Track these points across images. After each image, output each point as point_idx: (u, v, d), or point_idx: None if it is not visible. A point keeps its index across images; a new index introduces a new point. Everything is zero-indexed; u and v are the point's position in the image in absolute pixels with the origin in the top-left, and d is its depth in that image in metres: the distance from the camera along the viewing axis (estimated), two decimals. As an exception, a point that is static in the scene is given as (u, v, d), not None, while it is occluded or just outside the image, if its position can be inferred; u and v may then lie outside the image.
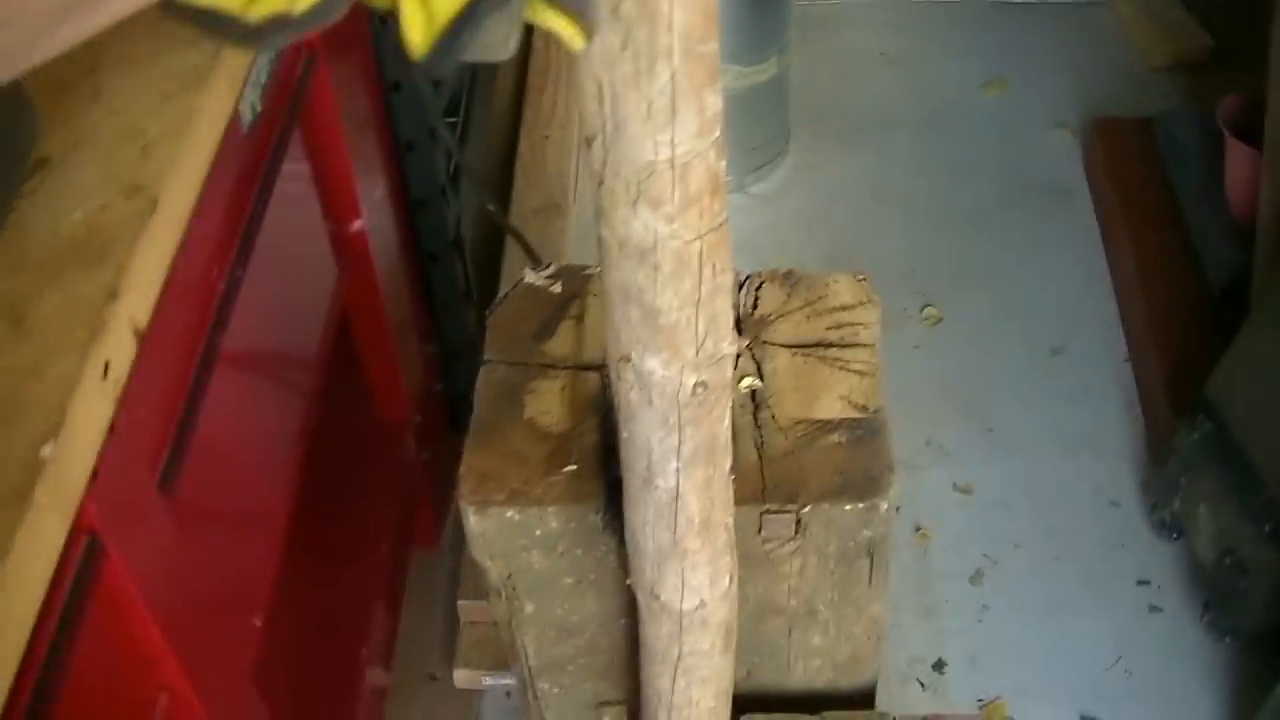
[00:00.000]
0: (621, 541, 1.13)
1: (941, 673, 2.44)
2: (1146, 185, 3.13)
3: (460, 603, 2.33)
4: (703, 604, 1.07)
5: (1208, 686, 2.45)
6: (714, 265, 0.86)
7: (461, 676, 2.33)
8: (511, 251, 2.78)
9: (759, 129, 3.31)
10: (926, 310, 3.07)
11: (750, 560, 1.16)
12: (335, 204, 1.99)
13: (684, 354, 0.90)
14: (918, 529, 2.67)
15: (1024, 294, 3.12)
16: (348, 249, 2.05)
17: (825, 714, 1.25)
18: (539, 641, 1.27)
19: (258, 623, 1.65)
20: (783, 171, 3.45)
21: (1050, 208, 3.33)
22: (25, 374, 0.99)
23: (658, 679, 1.16)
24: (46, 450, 0.96)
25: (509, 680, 2.33)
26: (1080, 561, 2.64)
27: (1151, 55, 3.67)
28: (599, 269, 0.91)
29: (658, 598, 1.07)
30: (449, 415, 2.63)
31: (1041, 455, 2.81)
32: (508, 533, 1.16)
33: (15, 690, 1.11)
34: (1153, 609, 2.57)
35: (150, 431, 1.38)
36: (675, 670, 1.14)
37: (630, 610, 1.21)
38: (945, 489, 2.74)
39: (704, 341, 0.90)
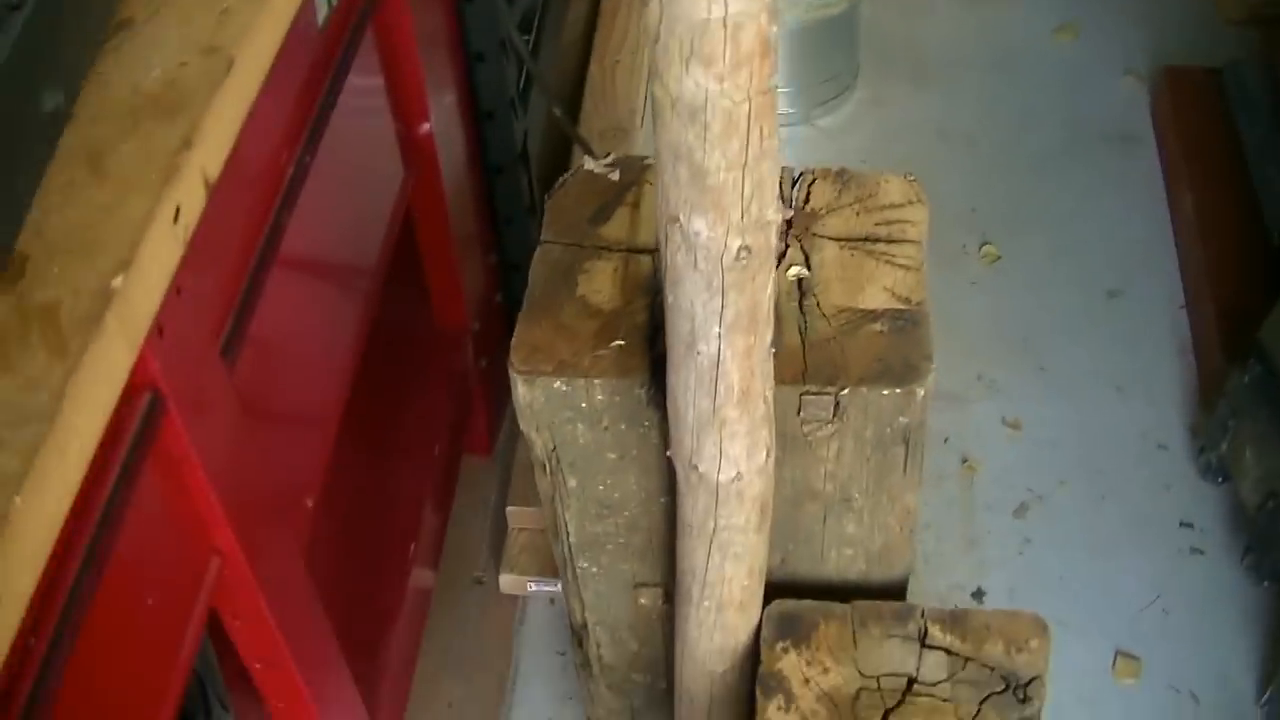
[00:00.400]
0: (665, 418, 1.16)
1: (980, 601, 2.46)
2: (1212, 135, 3.12)
3: (509, 509, 2.38)
4: (739, 476, 1.10)
5: (1245, 628, 2.47)
6: (761, 129, 0.89)
7: (507, 581, 2.39)
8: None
9: (827, 63, 3.32)
10: (985, 248, 3.08)
11: (789, 442, 1.20)
12: (404, 106, 2.03)
13: (729, 216, 0.93)
14: (964, 461, 2.70)
15: (1083, 237, 3.13)
16: (415, 152, 2.09)
17: (855, 602, 1.29)
18: (580, 518, 1.30)
19: (309, 503, 1.70)
20: (849, 106, 3.46)
21: (1114, 154, 3.32)
22: (101, 212, 1.04)
23: (693, 554, 1.19)
24: (117, 282, 1.00)
25: (554, 587, 2.38)
26: (1124, 501, 2.65)
27: (1226, 8, 3.64)
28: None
29: (695, 468, 1.10)
30: (508, 326, 2.66)
31: (1092, 396, 2.82)
32: (554, 404, 1.20)
33: (74, 532, 1.16)
34: (1194, 551, 2.59)
35: (214, 299, 1.42)
36: (710, 545, 1.18)
37: (670, 489, 1.24)
38: (994, 423, 2.77)
39: (749, 205, 0.93)
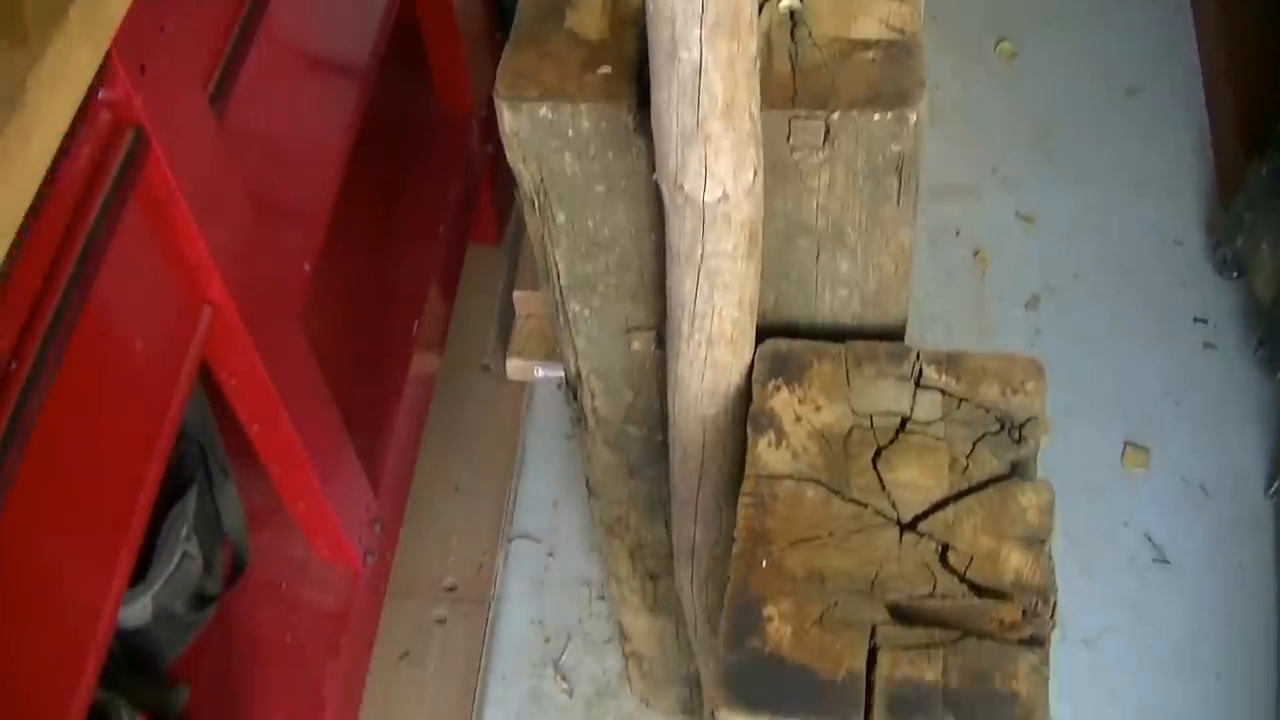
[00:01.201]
0: (652, 145, 1.14)
1: (989, 392, 2.45)
2: (1238, -68, 3.04)
3: (516, 293, 2.38)
4: (725, 196, 1.08)
5: (1255, 419, 2.47)
6: None
7: (514, 367, 2.39)
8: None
9: None
10: (1001, 45, 3.02)
11: (780, 172, 1.17)
12: None
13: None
14: (976, 253, 2.67)
15: (1103, 35, 3.07)
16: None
17: (850, 342, 1.27)
18: (570, 256, 1.29)
19: (307, 268, 1.69)
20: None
21: (1137, -49, 3.25)
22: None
23: (681, 284, 1.18)
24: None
25: (560, 372, 2.38)
26: (1138, 295, 2.63)
27: None
28: None
29: (681, 188, 1.08)
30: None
31: (1108, 191, 2.79)
32: (541, 132, 1.17)
33: (56, 265, 1.15)
34: (1207, 345, 2.58)
35: (200, 42, 1.40)
36: (698, 273, 1.16)
37: (660, 223, 1.22)
38: (1008, 217, 2.74)
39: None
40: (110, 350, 1.29)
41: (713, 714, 1.14)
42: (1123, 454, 2.42)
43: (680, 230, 1.13)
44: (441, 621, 2.25)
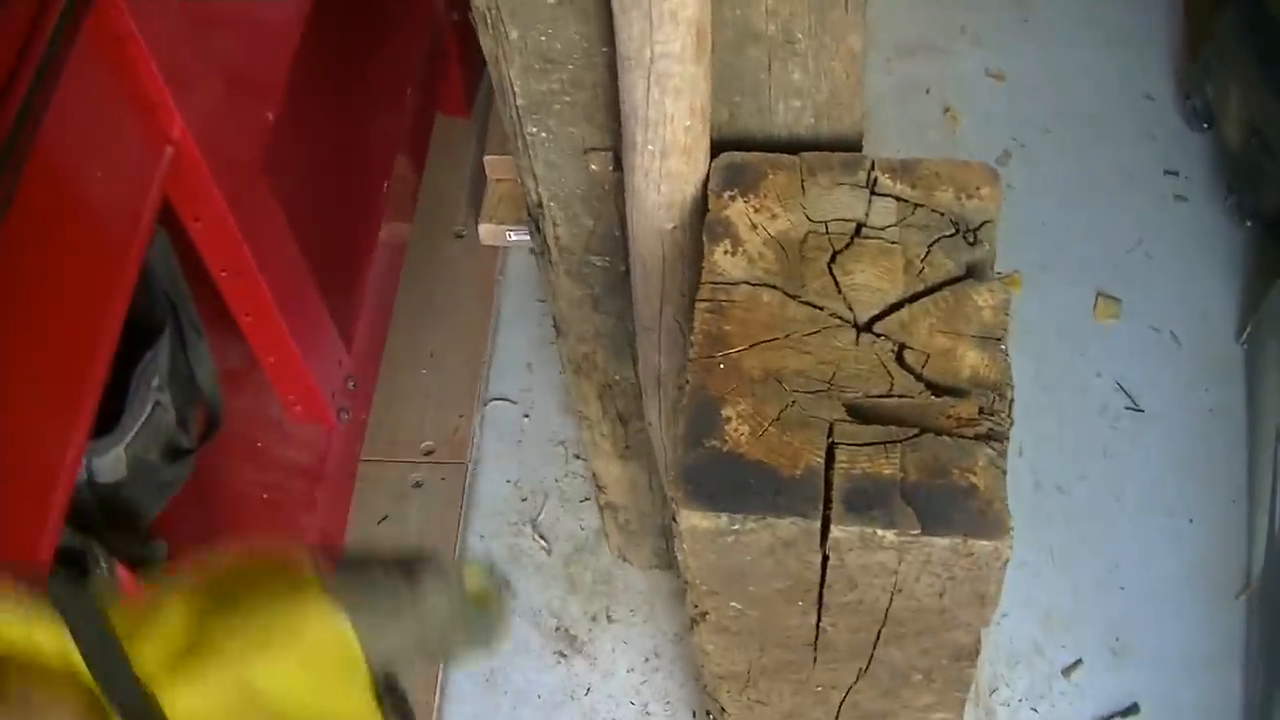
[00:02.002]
0: (601, -51, 1.14)
1: (960, 247, 2.46)
2: None
3: (487, 158, 2.38)
4: (672, -9, 1.08)
5: (1226, 269, 2.48)
6: None
7: (486, 231, 2.39)
8: None
9: None
10: (973, -95, 3.00)
11: (729, -25, 1.17)
12: None
13: None
14: (946, 110, 2.67)
15: (1074, -109, 3.04)
16: None
17: (804, 154, 1.27)
18: (524, 75, 1.28)
19: (270, 117, 1.69)
20: None
21: None
22: None
23: (632, 91, 1.17)
24: None
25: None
26: (1109, 149, 2.64)
27: None
28: None
29: (628, -19, 1.08)
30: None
31: (1078, 46, 2.78)
32: (489, -59, 1.17)
33: (6, 92, 1.15)
34: (1178, 198, 2.58)
35: None
36: (649, 77, 1.15)
37: (612, 38, 1.22)
38: (978, 74, 2.73)
39: None
40: (69, 182, 1.29)
41: (673, 517, 1.15)
42: (1094, 305, 2.43)
43: (629, 33, 1.13)
44: (419, 485, 2.27)
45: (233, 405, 1.91)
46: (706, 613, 1.29)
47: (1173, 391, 2.34)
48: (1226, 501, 2.23)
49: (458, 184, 2.56)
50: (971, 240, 1.24)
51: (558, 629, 2.13)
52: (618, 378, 1.71)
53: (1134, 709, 2.06)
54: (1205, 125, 2.60)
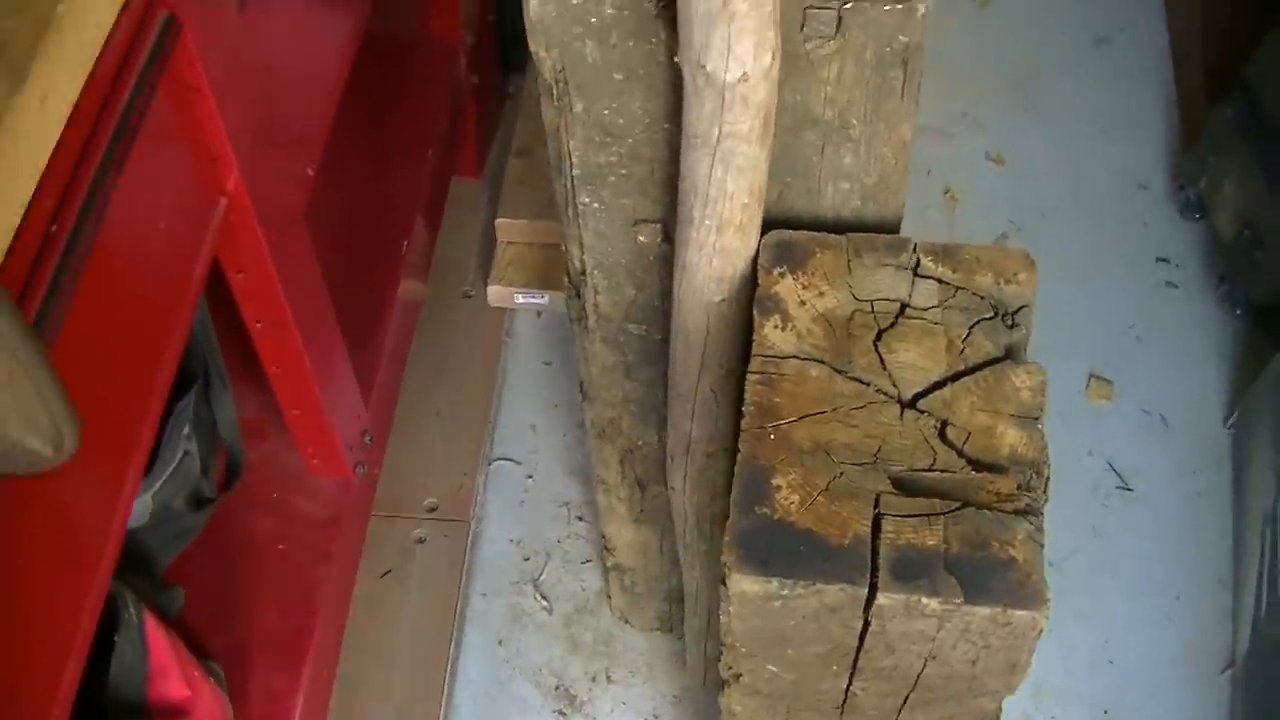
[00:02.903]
0: (672, 30, 1.19)
1: (958, 325, 2.52)
2: (1206, -116, 3.11)
3: (499, 220, 2.42)
4: (745, 77, 1.12)
5: (1215, 355, 2.54)
6: None
7: (495, 293, 2.43)
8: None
9: None
10: (977, -9, 3.09)
11: (791, 63, 1.22)
12: None
13: None
14: (946, 191, 2.73)
15: (1072, -15, 3.14)
16: None
17: (850, 234, 1.32)
18: (584, 147, 1.33)
19: (310, 173, 1.73)
20: None
21: (1107, -97, 3.31)
22: None
23: (695, 168, 1.22)
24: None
25: (540, 299, 2.43)
26: (1103, 235, 2.70)
27: None
28: None
29: (703, 68, 1.12)
30: (499, 47, 2.67)
31: (1076, 135, 2.86)
32: (565, 19, 1.21)
33: (94, 136, 1.19)
34: (1169, 285, 2.65)
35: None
36: (714, 156, 1.20)
37: (675, 114, 1.27)
38: (978, 157, 2.80)
39: None
40: (138, 233, 1.32)
41: (722, 581, 1.18)
42: (1087, 385, 2.49)
43: (699, 112, 1.17)
44: (422, 541, 2.30)
45: (250, 455, 1.94)
46: (741, 675, 1.32)
47: (1162, 473, 2.40)
48: (1212, 581, 2.28)
49: (467, 245, 2.60)
50: (1010, 324, 1.29)
51: (557, 688, 2.16)
52: (640, 443, 1.75)
53: (1122, 783, 2.11)
54: (1198, 215, 2.67)
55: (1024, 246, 2.49)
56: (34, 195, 1.08)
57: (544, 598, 2.26)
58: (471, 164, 2.62)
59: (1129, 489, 2.38)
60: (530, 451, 2.42)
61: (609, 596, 2.20)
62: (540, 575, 2.28)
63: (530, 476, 2.39)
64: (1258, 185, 2.43)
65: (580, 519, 2.33)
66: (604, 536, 2.00)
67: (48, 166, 1.10)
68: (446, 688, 2.14)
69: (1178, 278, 2.64)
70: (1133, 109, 2.90)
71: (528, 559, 2.30)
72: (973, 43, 2.99)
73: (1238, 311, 2.55)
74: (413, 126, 2.30)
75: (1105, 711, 2.16)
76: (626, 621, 2.22)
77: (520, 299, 2.47)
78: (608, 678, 2.17)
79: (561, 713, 2.14)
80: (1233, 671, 2.19)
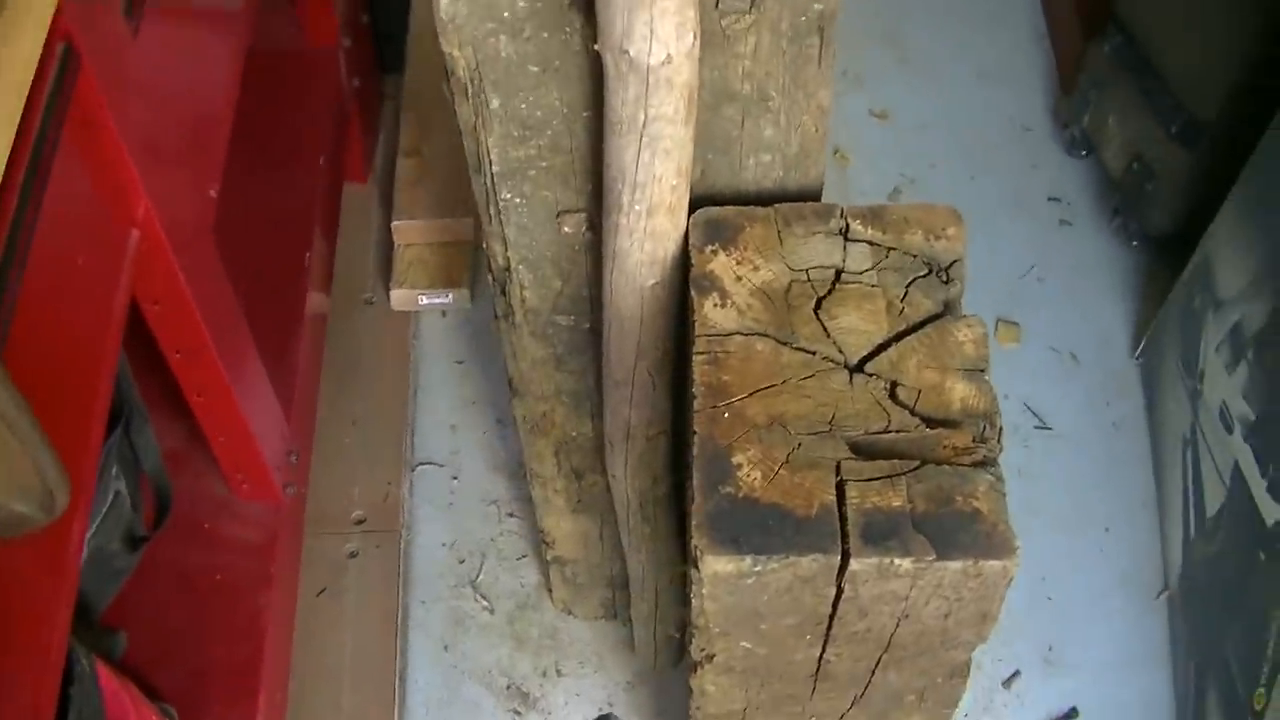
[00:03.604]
0: (587, 19, 1.18)
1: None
2: None
3: (395, 223, 2.40)
4: (669, 59, 1.12)
5: (1116, 288, 2.58)
6: None
7: (398, 297, 2.41)
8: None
9: None
10: (840, -49, 3.09)
11: (708, 39, 1.21)
12: None
13: None
14: (836, 151, 2.75)
15: (936, -67, 3.16)
16: None
17: (777, 205, 1.32)
18: (503, 143, 1.31)
19: (213, 193, 1.69)
20: None
21: None
22: None
23: (622, 153, 1.21)
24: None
25: (444, 299, 2.40)
26: (994, 180, 2.73)
27: None
28: None
29: (626, 53, 1.11)
30: (376, 47, 2.64)
31: (955, 84, 2.88)
32: (477, 15, 1.20)
33: (5, 186, 1.15)
34: (1063, 223, 2.68)
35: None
36: (640, 140, 1.19)
37: (594, 102, 1.26)
38: (862, 115, 2.82)
39: None
40: (59, 272, 1.29)
41: (695, 561, 1.18)
42: (995, 330, 2.52)
43: (623, 98, 1.16)
44: (354, 555, 2.27)
45: (176, 487, 1.90)
46: (714, 655, 1.32)
47: (1077, 409, 2.44)
48: (1139, 509, 2.32)
49: (362, 250, 2.57)
50: (945, 279, 1.30)
51: (509, 687, 2.15)
52: (574, 434, 1.74)
53: (1073, 713, 2.14)
54: (1084, 153, 2.71)
55: (917, 198, 2.53)
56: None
57: (484, 598, 2.24)
58: (359, 168, 2.59)
59: (1047, 428, 2.42)
60: (452, 452, 2.40)
61: (550, 590, 2.19)
62: (478, 576, 2.27)
63: (455, 478, 2.38)
64: (1142, 117, 2.47)
65: (511, 515, 2.31)
66: (541, 531, 1.99)
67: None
68: (398, 699, 2.12)
69: (1070, 215, 2.68)
70: (1008, 52, 2.94)
71: (463, 561, 2.28)
72: None
73: (1134, 244, 2.59)
74: (301, 136, 2.27)
75: (1050, 648, 2.19)
76: (570, 613, 2.21)
77: (425, 300, 2.45)
78: (558, 671, 2.17)
79: (516, 711, 2.13)
80: (1169, 594, 2.23)
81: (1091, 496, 2.34)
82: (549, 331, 1.57)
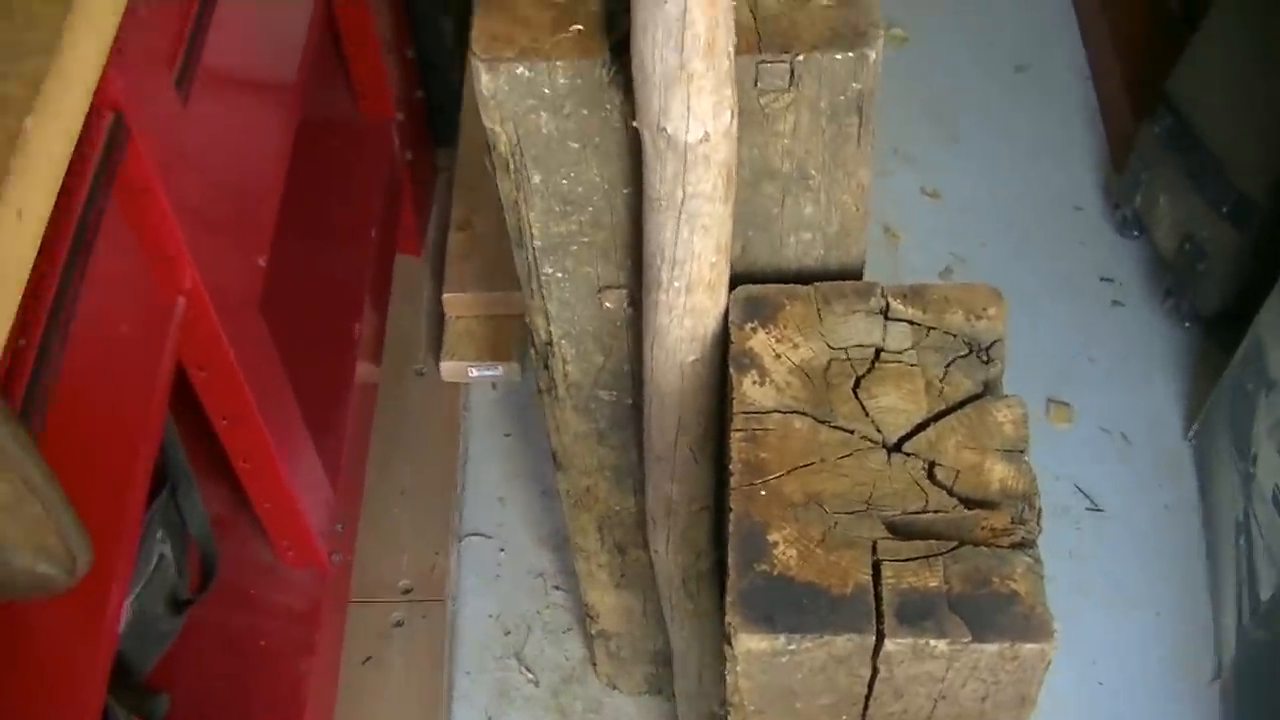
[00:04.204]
0: (627, 96, 1.19)
1: (913, 360, 2.53)
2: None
3: (446, 295, 2.42)
4: (706, 137, 1.13)
5: (1167, 368, 2.56)
6: None
7: (448, 369, 2.42)
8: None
9: None
10: (892, 31, 3.11)
11: (747, 117, 1.22)
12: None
13: None
14: (887, 230, 2.75)
15: (988, 16, 3.18)
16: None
17: (817, 284, 1.32)
18: (544, 218, 1.33)
19: (262, 263, 1.71)
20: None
21: (1013, -69, 3.36)
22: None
23: (660, 231, 1.22)
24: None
25: (494, 371, 2.42)
26: (1045, 260, 2.73)
27: None
28: None
29: (664, 130, 1.12)
30: (430, 121, 2.68)
31: (1006, 164, 2.89)
32: (517, 92, 1.21)
33: (52, 249, 1.17)
34: (1115, 304, 2.67)
35: (168, 25, 1.42)
36: (679, 218, 1.20)
37: (634, 179, 1.27)
38: (913, 193, 2.82)
39: None
40: (103, 340, 1.31)
41: (729, 639, 1.17)
42: (1046, 411, 2.50)
43: (661, 175, 1.18)
44: (400, 624, 2.27)
45: (223, 552, 1.92)
46: (749, 733, 1.31)
47: (1129, 490, 2.42)
48: (1191, 593, 2.29)
49: (414, 322, 2.59)
50: (985, 359, 1.30)
51: (551, 760, 2.14)
52: (617, 508, 1.74)
53: (1122, 802, 2.11)
54: (1136, 233, 2.70)
55: (969, 279, 2.52)
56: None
57: (529, 670, 2.24)
58: (412, 241, 2.61)
59: (1099, 509, 2.40)
60: (499, 524, 2.41)
61: (594, 663, 2.18)
62: (523, 648, 2.27)
63: (502, 549, 2.38)
64: (1193, 197, 2.46)
65: (557, 588, 2.31)
66: (586, 605, 1.99)
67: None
68: (440, 770, 2.12)
69: (1123, 296, 2.67)
70: (1060, 132, 2.93)
71: (509, 633, 2.28)
72: (895, 80, 3.00)
73: (1186, 324, 2.58)
74: (353, 207, 2.29)
75: (1098, 732, 2.17)
76: (615, 687, 2.20)
77: (474, 372, 2.46)
78: (600, 745, 2.16)
79: (557, 785, 2.12)
80: (1221, 681, 2.20)
81: (1142, 579, 2.32)
82: (591, 406, 1.57)
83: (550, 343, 1.49)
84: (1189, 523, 2.38)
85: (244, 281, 1.63)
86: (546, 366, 1.53)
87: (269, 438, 1.68)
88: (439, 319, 2.55)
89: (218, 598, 1.88)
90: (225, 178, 1.58)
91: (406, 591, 2.31)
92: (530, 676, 2.23)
